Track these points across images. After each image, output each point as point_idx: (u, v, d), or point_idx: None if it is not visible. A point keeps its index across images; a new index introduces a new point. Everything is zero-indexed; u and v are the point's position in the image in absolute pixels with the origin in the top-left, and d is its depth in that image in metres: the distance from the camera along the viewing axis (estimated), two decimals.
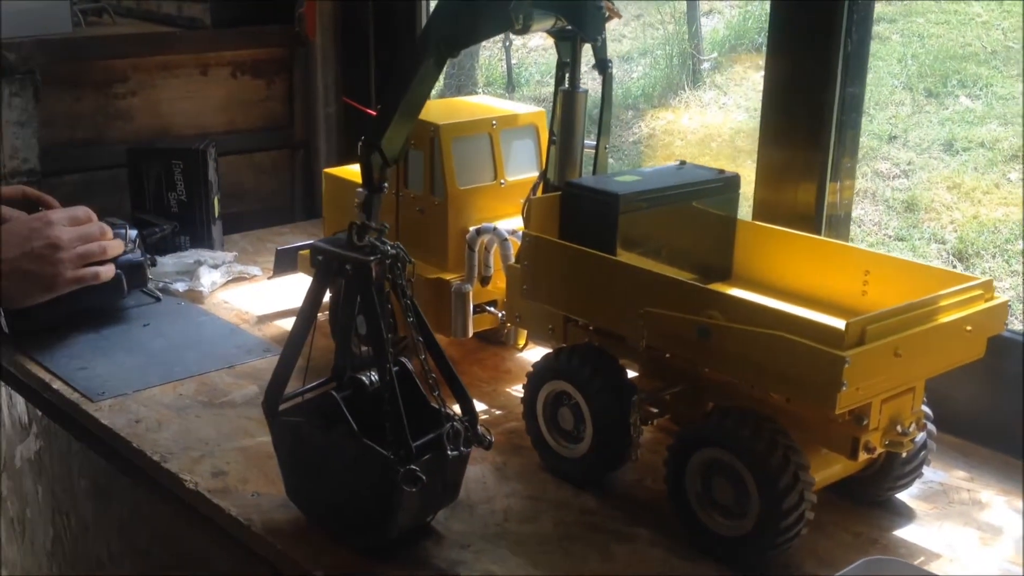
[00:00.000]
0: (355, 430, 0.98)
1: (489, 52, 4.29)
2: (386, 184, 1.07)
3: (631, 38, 4.40)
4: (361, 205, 1.11)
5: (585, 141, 1.28)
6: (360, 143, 1.07)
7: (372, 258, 1.00)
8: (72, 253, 1.37)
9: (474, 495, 1.12)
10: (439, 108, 1.39)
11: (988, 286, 1.04)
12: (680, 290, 1.03)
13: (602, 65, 1.25)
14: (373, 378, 1.05)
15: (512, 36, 1.35)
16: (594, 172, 1.28)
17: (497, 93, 4.20)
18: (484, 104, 1.44)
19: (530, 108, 1.40)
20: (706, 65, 4.22)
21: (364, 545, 1.03)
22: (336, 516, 1.04)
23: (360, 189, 1.35)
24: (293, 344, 1.04)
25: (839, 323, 0.92)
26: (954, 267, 3.04)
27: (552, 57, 1.25)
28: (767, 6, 1.40)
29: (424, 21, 1.93)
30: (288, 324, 1.53)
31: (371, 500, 1.00)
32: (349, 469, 1.00)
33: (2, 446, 1.52)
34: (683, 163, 1.25)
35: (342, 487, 1.02)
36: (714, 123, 3.98)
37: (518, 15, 1.12)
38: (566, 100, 1.25)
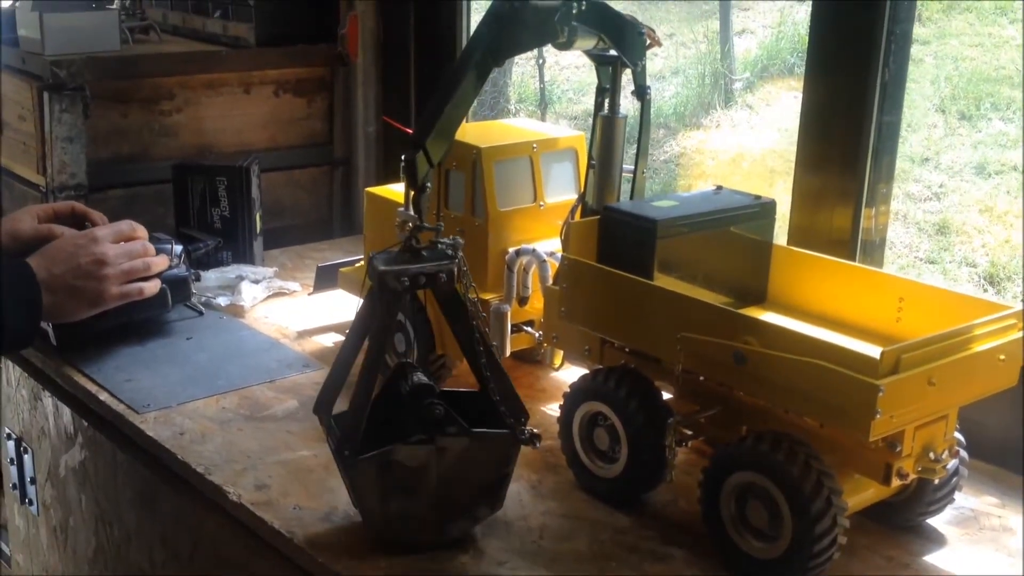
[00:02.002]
0: (467, 426, 1.05)
1: (522, 69, 4.32)
2: (429, 184, 1.10)
3: (663, 57, 4.42)
4: (402, 224, 1.14)
5: (623, 165, 1.31)
6: (408, 147, 1.10)
7: (451, 261, 1.04)
8: (118, 269, 1.40)
9: (510, 512, 1.14)
10: (481, 131, 1.41)
11: (1022, 315, 1.05)
12: (716, 316, 1.05)
13: (641, 91, 1.28)
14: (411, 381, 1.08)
15: (545, 54, 1.38)
16: (632, 196, 1.30)
17: (529, 110, 4.22)
18: (524, 128, 1.47)
19: (569, 132, 1.42)
20: (738, 85, 4.23)
21: (475, 524, 1.09)
22: (435, 518, 1.07)
23: (401, 208, 1.38)
24: (343, 365, 1.06)
25: (874, 351, 0.94)
26: (985, 291, 3.03)
27: (584, 75, 1.28)
28: (800, 28, 1.43)
29: (465, 43, 1.96)
30: (326, 340, 1.56)
31: (486, 481, 1.07)
32: (461, 464, 1.05)
33: (47, 455, 1.56)
34: (720, 188, 1.27)
35: (450, 485, 1.06)
36: (746, 143, 3.99)
37: (563, 28, 1.15)
38: (606, 125, 1.28)
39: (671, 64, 4.39)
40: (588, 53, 1.27)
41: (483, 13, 1.15)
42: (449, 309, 1.05)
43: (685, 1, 4.45)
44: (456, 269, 1.04)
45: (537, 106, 4.19)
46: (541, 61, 1.74)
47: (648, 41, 1.24)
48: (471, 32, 1.96)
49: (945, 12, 3.84)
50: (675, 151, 4.07)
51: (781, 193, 1.35)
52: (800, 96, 1.44)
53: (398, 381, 1.09)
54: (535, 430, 1.07)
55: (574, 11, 1.16)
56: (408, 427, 1.05)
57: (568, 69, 4.44)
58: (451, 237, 1.07)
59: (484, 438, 1.06)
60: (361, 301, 1.08)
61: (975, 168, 3.46)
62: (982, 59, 3.75)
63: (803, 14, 4.07)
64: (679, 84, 4.33)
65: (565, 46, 1.19)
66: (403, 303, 1.30)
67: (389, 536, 1.08)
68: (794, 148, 1.48)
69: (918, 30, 3.66)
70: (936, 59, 3.78)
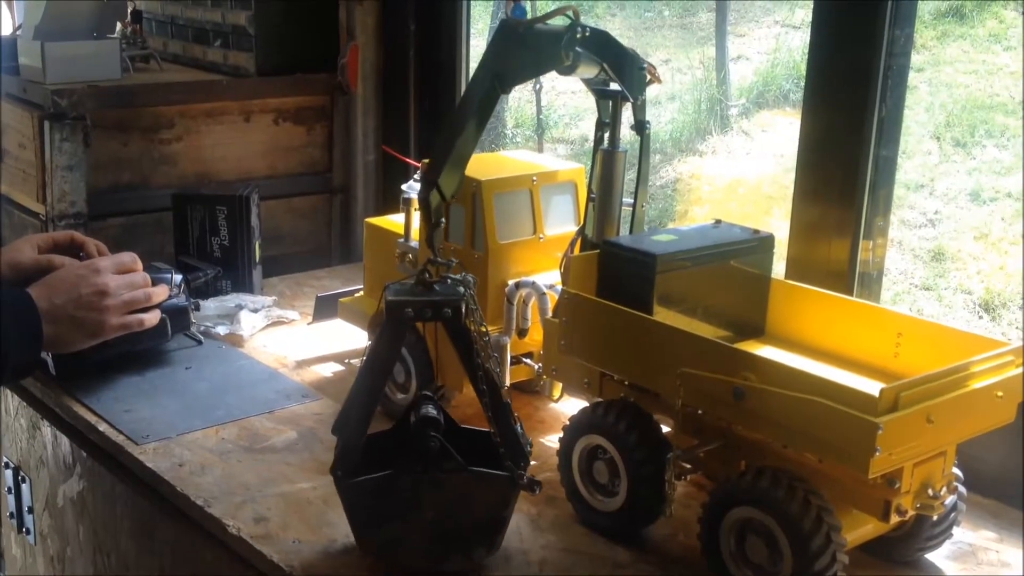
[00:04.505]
0: (463, 463, 1.04)
1: (518, 95, 4.33)
2: (443, 219, 1.12)
3: (659, 82, 4.44)
4: (400, 255, 1.15)
5: (622, 199, 1.31)
6: (421, 176, 1.12)
7: (463, 293, 1.05)
8: (118, 300, 1.40)
9: (510, 545, 1.14)
10: (481, 163, 1.42)
11: (1019, 352, 1.05)
12: (716, 351, 1.06)
13: (641, 126, 1.28)
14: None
15: (542, 80, 1.39)
16: (631, 230, 1.30)
17: (526, 135, 4.24)
18: (524, 160, 1.48)
19: (569, 164, 1.43)
20: (734, 111, 4.25)
21: (472, 564, 1.08)
22: (431, 550, 1.08)
23: (400, 239, 1.38)
24: (367, 405, 1.06)
25: (873, 388, 0.94)
26: (980, 318, 3.04)
27: (579, 101, 1.28)
28: (795, 54, 1.44)
29: (466, 72, 1.98)
30: (325, 369, 1.56)
31: (482, 520, 1.07)
32: (457, 499, 1.06)
33: (45, 484, 1.55)
34: (719, 222, 1.28)
35: (445, 519, 1.06)
36: (742, 169, 4.00)
37: (568, 53, 1.16)
38: (606, 159, 1.29)
39: (667, 90, 4.41)
40: (589, 85, 1.28)
41: (484, 44, 1.17)
42: (457, 344, 1.06)
43: (681, 27, 4.47)
44: (464, 305, 1.05)
45: (534, 131, 4.21)
46: (538, 87, 1.75)
47: (648, 77, 1.25)
48: (471, 62, 1.98)
49: (939, 39, 3.87)
50: (671, 177, 4.08)
51: (777, 220, 1.37)
52: (795, 123, 1.45)
53: (413, 411, 1.10)
54: (536, 477, 1.07)
55: (578, 36, 1.17)
56: (411, 457, 1.05)
57: (564, 95, 4.45)
58: (463, 274, 1.08)
59: (481, 477, 1.06)
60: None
61: (970, 195, 3.48)
62: (976, 86, 3.77)
63: (798, 41, 4.09)
64: (675, 110, 4.35)
65: (569, 71, 1.20)
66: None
67: (381, 560, 1.09)
68: (789, 175, 1.49)
69: (912, 57, 3.68)
70: (931, 86, 3.80)
